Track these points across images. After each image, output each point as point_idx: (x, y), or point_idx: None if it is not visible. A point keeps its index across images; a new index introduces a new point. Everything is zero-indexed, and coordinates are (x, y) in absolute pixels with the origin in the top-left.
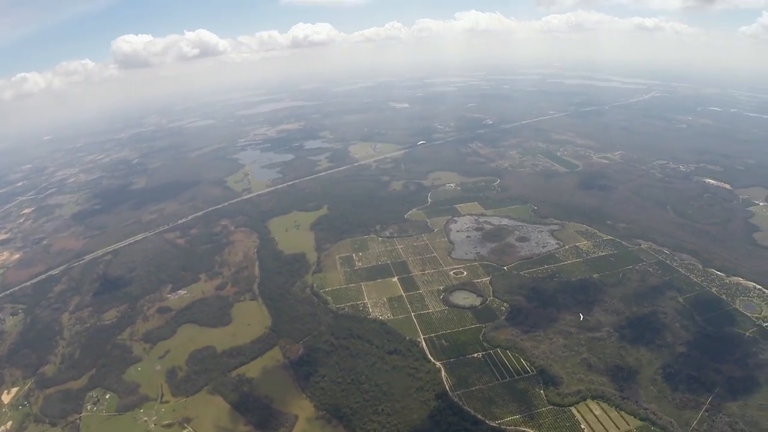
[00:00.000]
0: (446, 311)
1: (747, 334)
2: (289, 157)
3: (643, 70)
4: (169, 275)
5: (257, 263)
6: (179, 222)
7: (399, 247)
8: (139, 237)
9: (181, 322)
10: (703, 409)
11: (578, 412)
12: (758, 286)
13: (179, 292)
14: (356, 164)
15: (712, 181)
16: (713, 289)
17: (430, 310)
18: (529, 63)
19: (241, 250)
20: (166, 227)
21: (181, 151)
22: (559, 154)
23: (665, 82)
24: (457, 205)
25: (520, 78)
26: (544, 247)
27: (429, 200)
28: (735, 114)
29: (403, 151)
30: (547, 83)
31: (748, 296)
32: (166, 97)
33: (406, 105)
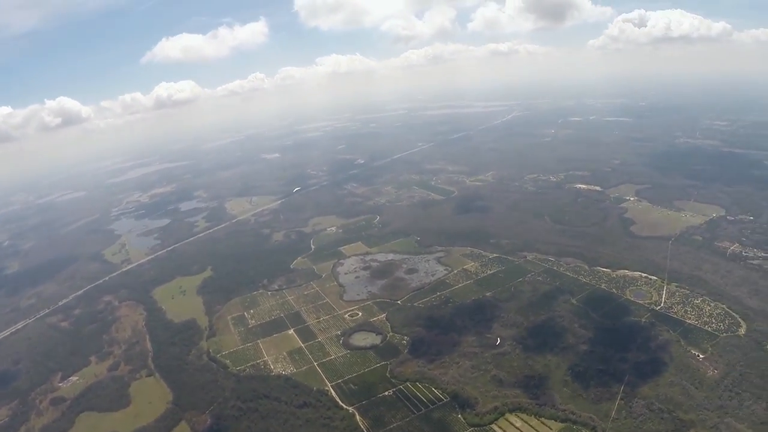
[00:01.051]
0: (348, 355)
1: (643, 320)
2: (166, 221)
3: (503, 93)
4: (58, 362)
5: (148, 336)
6: (60, 304)
7: (290, 298)
8: (19, 325)
9: (77, 411)
10: (619, 398)
11: (499, 428)
12: (644, 275)
13: (71, 378)
14: (235, 220)
15: (582, 186)
16: (603, 286)
17: (332, 357)
18: (394, 99)
19: (129, 325)
20: (47, 311)
21: (53, 227)
22: (433, 183)
23: (525, 100)
24: (341, 248)
25: (386, 115)
26: (433, 275)
27: (312, 247)
28: (594, 121)
29: (279, 201)
30: (412, 117)
31: (637, 285)
32: (32, 172)
33: (278, 155)
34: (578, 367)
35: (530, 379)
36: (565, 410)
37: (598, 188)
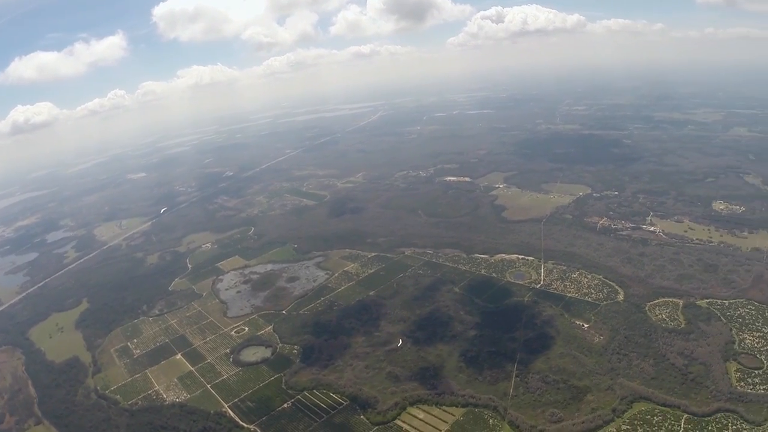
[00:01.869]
0: (241, 372)
1: (525, 299)
2: (33, 255)
3: (368, 94)
4: None
5: (30, 382)
6: None
7: (173, 322)
8: None
9: None
10: (514, 375)
11: (403, 422)
12: (520, 256)
13: None
14: (106, 247)
15: (452, 178)
16: (483, 271)
17: (225, 376)
18: (259, 108)
19: (8, 371)
20: None
21: None
22: (304, 189)
23: (390, 100)
24: (218, 264)
25: (252, 124)
26: (315, 281)
27: (189, 266)
28: (458, 115)
29: (150, 222)
30: (278, 124)
31: (515, 267)
32: None
33: (144, 174)
34: (470, 352)
35: (425, 371)
36: (464, 395)
37: (467, 179)
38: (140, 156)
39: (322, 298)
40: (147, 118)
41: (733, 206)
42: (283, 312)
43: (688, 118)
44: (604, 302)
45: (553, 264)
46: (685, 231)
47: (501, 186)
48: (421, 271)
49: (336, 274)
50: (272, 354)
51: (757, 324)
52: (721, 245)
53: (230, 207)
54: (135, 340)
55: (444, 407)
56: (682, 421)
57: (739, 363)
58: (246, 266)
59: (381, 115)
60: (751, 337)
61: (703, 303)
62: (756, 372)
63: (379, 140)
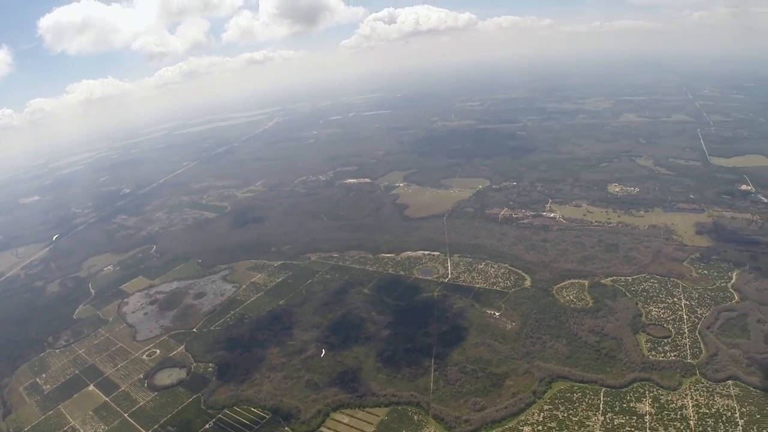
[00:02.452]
0: (157, 397)
1: (435, 294)
2: None
3: (263, 101)
4: None
5: None
6: None
7: (81, 351)
8: None
9: None
10: (432, 370)
11: (328, 429)
12: (426, 252)
13: None
14: (3, 278)
15: (353, 180)
16: (390, 270)
17: (142, 403)
18: (153, 121)
19: None
20: None
21: None
22: (204, 201)
23: (285, 106)
24: (122, 286)
25: (147, 138)
26: (222, 295)
27: (92, 291)
28: (354, 117)
29: (48, 249)
30: (174, 136)
31: (422, 263)
32: None
33: (37, 197)
34: (386, 351)
35: (344, 375)
36: (385, 395)
37: (367, 180)
38: (32, 178)
39: (232, 312)
40: (37, 137)
41: (628, 188)
42: (194, 330)
43: (579, 107)
44: (513, 289)
45: (459, 257)
46: (584, 215)
47: (401, 185)
48: (329, 276)
49: (244, 286)
50: (187, 374)
51: (660, 296)
52: (620, 225)
53: (130, 226)
54: (44, 375)
55: (367, 409)
56: (601, 394)
57: (648, 334)
58: (151, 286)
59: (277, 121)
60: (656, 309)
61: (607, 281)
62: (665, 341)
63: (277, 147)
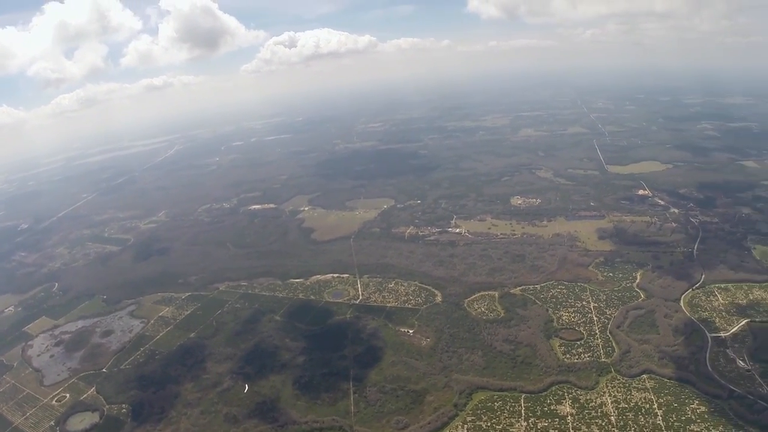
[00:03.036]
0: None
1: (348, 316)
2: None
3: (163, 128)
4: None
5: None
6: None
7: None
8: None
9: None
10: (352, 392)
11: None
12: (335, 275)
13: None
14: None
15: (257, 207)
16: (300, 295)
17: None
18: (50, 151)
19: None
20: None
21: None
22: (106, 234)
23: (186, 132)
24: (25, 328)
25: (44, 170)
26: (131, 331)
27: None
28: (256, 142)
29: None
30: (72, 167)
31: (332, 287)
32: None
33: None
34: (303, 378)
35: (262, 406)
36: (306, 422)
37: (272, 205)
38: None
39: (142, 349)
40: None
41: (530, 199)
42: (104, 370)
43: (479, 124)
44: (424, 306)
45: (368, 278)
46: (489, 228)
47: (306, 208)
48: (238, 305)
49: (152, 321)
50: (101, 418)
51: (569, 301)
52: (525, 236)
53: (30, 263)
54: None
55: None
56: (522, 400)
57: (560, 338)
58: (55, 326)
59: (178, 149)
60: (567, 314)
61: (517, 291)
62: (578, 343)
63: (179, 175)
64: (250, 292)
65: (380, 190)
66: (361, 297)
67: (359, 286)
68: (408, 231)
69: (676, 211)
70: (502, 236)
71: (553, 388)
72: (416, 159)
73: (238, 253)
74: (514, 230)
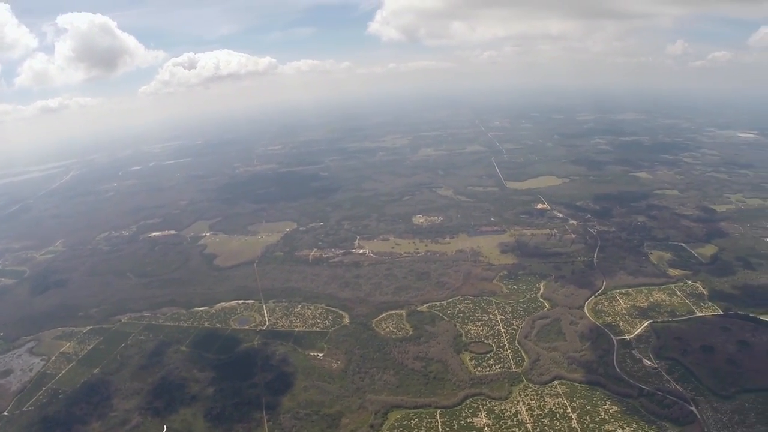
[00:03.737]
0: None
1: (255, 343)
2: None
3: (58, 152)
4: None
5: None
6: None
7: None
8: None
9: None
10: (265, 421)
11: None
12: (240, 301)
13: None
14: None
15: (157, 233)
16: (206, 324)
17: None
18: None
19: None
20: None
21: None
22: (0, 266)
23: (83, 157)
24: None
25: None
26: (31, 370)
27: None
28: (154, 167)
29: None
30: None
31: (238, 314)
32: None
33: None
34: (214, 409)
35: None
36: None
37: (173, 232)
38: None
39: (44, 388)
40: None
41: (432, 217)
42: (5, 413)
43: (378, 145)
44: (333, 328)
45: (274, 303)
46: (393, 247)
47: (208, 234)
48: (143, 337)
49: (53, 358)
50: None
51: (476, 315)
52: (428, 254)
53: None
54: None
55: None
56: (437, 416)
57: (471, 352)
58: None
59: (74, 174)
60: (475, 327)
61: (424, 308)
62: (488, 355)
63: (75, 202)
64: (154, 323)
65: (282, 213)
66: (267, 323)
67: (265, 311)
68: (312, 254)
69: (575, 222)
70: (406, 255)
71: (468, 401)
72: (317, 181)
73: (139, 282)
74: (417, 248)
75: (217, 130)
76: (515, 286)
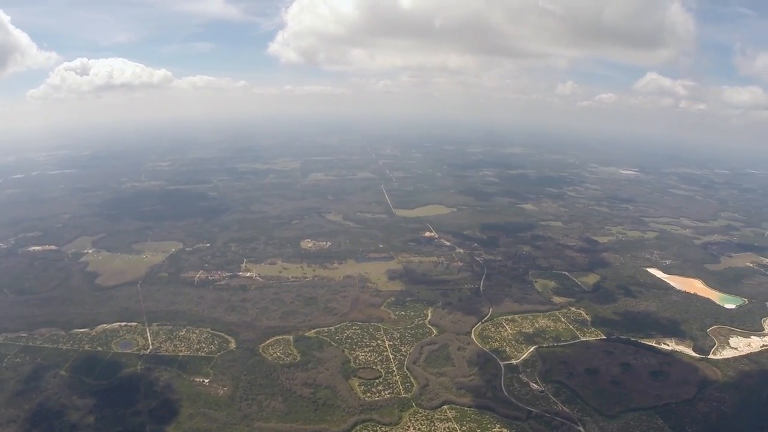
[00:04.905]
0: None
1: (138, 368)
2: None
3: None
4: None
5: None
6: None
7: None
8: None
9: None
10: None
11: None
12: (123, 323)
13: None
14: None
15: (37, 248)
16: (86, 347)
17: None
18: None
19: None
20: None
21: None
22: None
23: None
24: None
25: None
26: None
27: None
28: (38, 176)
29: None
30: None
31: (120, 336)
32: None
33: None
34: None
35: None
36: None
37: (53, 247)
38: None
39: None
40: None
41: (320, 242)
42: None
43: (269, 167)
44: (219, 354)
45: (158, 326)
46: (280, 271)
47: (90, 251)
48: (18, 360)
49: None
50: None
51: (365, 341)
52: (316, 279)
53: None
54: None
55: None
56: None
57: (360, 377)
58: None
59: None
60: (363, 353)
61: (311, 334)
62: (377, 381)
63: None
64: (31, 344)
65: (168, 232)
66: (151, 347)
67: (149, 334)
68: (198, 275)
69: (462, 251)
70: (293, 279)
71: (358, 428)
72: (206, 201)
73: (16, 300)
74: (305, 273)
75: (106, 142)
76: (403, 313)
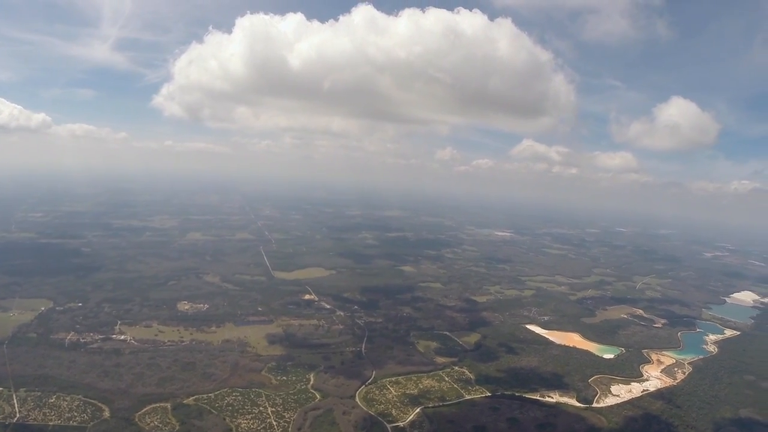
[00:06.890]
0: None
1: None
2: None
3: None
4: None
5: None
6: None
7: None
8: None
9: None
10: None
11: None
12: None
13: None
14: None
15: None
16: None
17: None
18: None
19: None
20: None
21: None
22: None
23: None
24: None
25: None
26: None
27: None
28: None
29: None
30: None
31: None
32: None
33: None
34: None
35: None
36: None
37: None
38: None
39: None
40: None
41: (198, 305)
42: None
43: (146, 224)
44: (91, 423)
45: (26, 391)
46: (156, 335)
47: None
48: None
49: None
50: None
51: (246, 407)
52: (194, 343)
53: None
54: None
55: None
56: None
57: None
58: None
59: None
60: (245, 421)
61: (190, 401)
62: None
63: None
64: None
65: (38, 289)
66: (18, 415)
67: (15, 401)
68: (69, 337)
69: (342, 313)
70: (170, 343)
71: None
72: (78, 257)
73: None
74: (182, 337)
75: None
76: (285, 378)
